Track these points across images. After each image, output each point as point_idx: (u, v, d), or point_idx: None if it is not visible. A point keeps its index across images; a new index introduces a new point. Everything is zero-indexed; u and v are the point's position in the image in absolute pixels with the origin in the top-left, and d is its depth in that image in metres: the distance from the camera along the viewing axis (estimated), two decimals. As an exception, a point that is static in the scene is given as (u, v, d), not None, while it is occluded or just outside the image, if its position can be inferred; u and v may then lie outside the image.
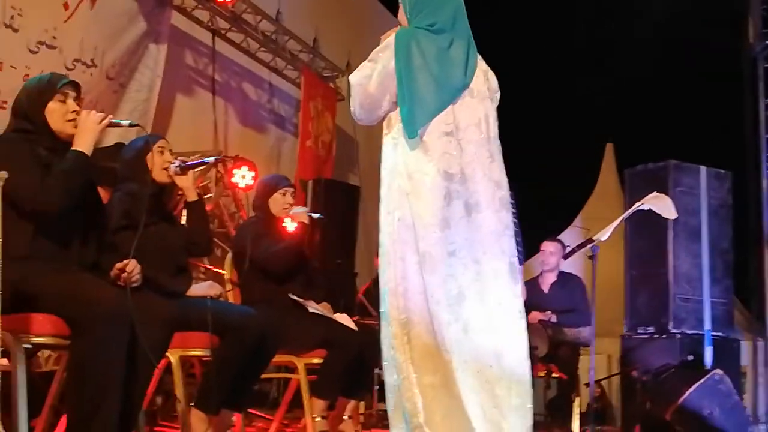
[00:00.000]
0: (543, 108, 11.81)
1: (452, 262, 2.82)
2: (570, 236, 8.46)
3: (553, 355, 5.61)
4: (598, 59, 11.24)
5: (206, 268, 6.67)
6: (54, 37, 5.45)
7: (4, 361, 2.64)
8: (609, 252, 7.27)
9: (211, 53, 7.15)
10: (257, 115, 8.13)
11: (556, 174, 11.79)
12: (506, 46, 11.42)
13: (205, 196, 6.81)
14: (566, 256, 5.59)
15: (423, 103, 2.89)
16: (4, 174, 2.46)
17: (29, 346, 2.75)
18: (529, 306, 5.95)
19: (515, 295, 2.87)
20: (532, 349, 5.62)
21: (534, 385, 5.63)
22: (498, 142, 2.98)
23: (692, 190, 6.28)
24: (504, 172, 2.95)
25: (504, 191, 2.93)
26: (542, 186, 11.85)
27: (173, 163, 3.60)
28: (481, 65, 3.05)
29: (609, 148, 10.51)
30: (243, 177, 6.75)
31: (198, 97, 7.22)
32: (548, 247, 6.02)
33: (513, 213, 2.99)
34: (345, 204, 7.45)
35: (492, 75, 3.09)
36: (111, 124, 3.03)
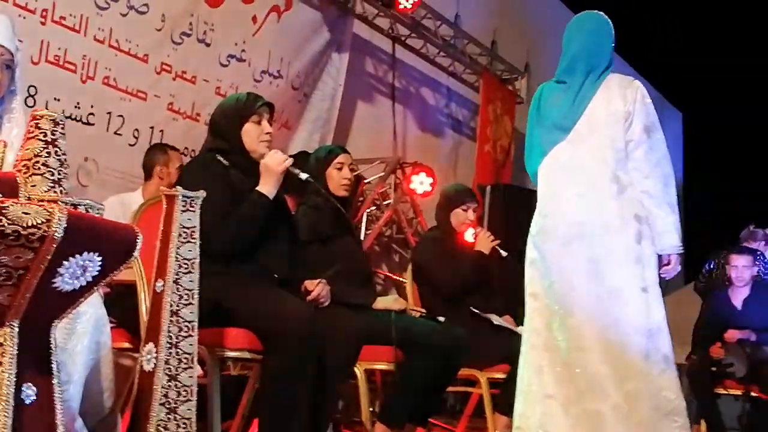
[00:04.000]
0: (732, 105, 11.20)
1: (549, 294, 3.09)
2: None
3: (755, 375, 5.27)
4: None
5: (386, 276, 6.74)
6: (243, 51, 5.65)
7: (201, 374, 2.75)
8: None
9: (390, 60, 7.20)
10: (435, 120, 8.12)
11: (746, 175, 11.15)
12: (692, 42, 10.91)
13: (384, 202, 6.90)
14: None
15: (532, 151, 3.26)
16: (202, 193, 2.53)
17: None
18: (722, 323, 5.63)
19: (616, 321, 2.99)
20: (728, 365, 5.35)
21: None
22: (617, 167, 3.08)
23: None
24: (619, 196, 3.06)
25: (612, 217, 3.06)
26: (731, 188, 11.24)
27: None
28: (605, 93, 3.14)
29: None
30: (421, 183, 6.76)
31: (378, 104, 7.28)
32: (740, 261, 5.61)
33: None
34: (524, 209, 7.28)
35: (628, 96, 3.13)
36: (289, 170, 3.04)
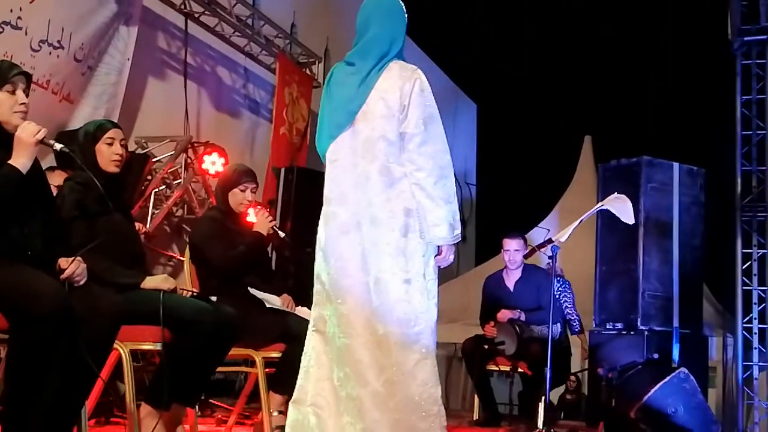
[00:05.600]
0: (522, 99, 11.81)
1: (328, 279, 3.18)
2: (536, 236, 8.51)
3: (523, 353, 5.60)
4: (577, 50, 11.21)
5: (171, 256, 6.61)
6: (19, 18, 5.32)
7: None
8: (585, 245, 7.30)
9: (183, 37, 7.04)
10: (231, 100, 8.03)
11: (533, 165, 11.80)
12: (488, 37, 11.41)
13: (175, 182, 6.77)
14: (526, 256, 5.56)
15: (321, 132, 3.26)
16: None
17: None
18: (496, 304, 5.96)
19: (377, 311, 3.07)
20: (499, 344, 5.66)
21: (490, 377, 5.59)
22: (389, 160, 3.12)
23: (665, 186, 6.26)
24: (388, 189, 3.12)
25: (378, 209, 3.11)
26: (519, 177, 11.89)
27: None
28: (384, 83, 3.16)
29: (587, 140, 10.47)
30: (213, 163, 6.68)
31: (170, 81, 7.11)
32: (512, 244, 5.94)
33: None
34: (317, 193, 7.36)
35: (405, 88, 3.13)
36: (42, 141, 2.89)
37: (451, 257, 3.22)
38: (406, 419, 2.97)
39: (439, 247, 3.20)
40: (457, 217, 3.17)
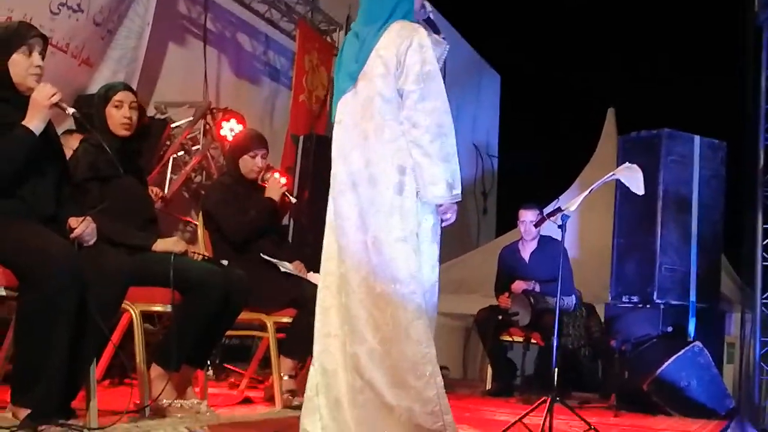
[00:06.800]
0: (545, 70, 11.70)
1: (330, 232, 3.19)
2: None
3: (537, 324, 5.59)
4: (601, 22, 11.08)
5: (188, 221, 6.64)
6: (39, -20, 5.34)
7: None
8: (601, 218, 7.25)
9: (203, 2, 7.03)
10: (251, 66, 8.01)
11: (556, 137, 11.72)
12: (512, 8, 11.30)
13: (193, 148, 6.79)
14: (536, 225, 5.53)
15: (334, 97, 3.24)
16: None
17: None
18: (511, 275, 5.95)
19: (375, 269, 3.04)
20: (513, 315, 5.66)
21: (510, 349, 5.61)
22: (385, 118, 3.06)
23: (684, 159, 6.21)
24: (384, 147, 3.05)
25: (375, 168, 3.07)
26: (542, 149, 11.81)
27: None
28: (383, 42, 3.10)
29: (611, 112, 10.35)
30: (231, 130, 6.67)
31: (189, 46, 7.10)
32: (527, 215, 5.91)
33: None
34: (336, 160, 7.36)
35: (402, 45, 3.06)
36: (57, 105, 2.92)
37: (451, 216, 3.14)
38: (402, 377, 2.98)
39: (438, 206, 3.10)
40: (457, 176, 3.07)
